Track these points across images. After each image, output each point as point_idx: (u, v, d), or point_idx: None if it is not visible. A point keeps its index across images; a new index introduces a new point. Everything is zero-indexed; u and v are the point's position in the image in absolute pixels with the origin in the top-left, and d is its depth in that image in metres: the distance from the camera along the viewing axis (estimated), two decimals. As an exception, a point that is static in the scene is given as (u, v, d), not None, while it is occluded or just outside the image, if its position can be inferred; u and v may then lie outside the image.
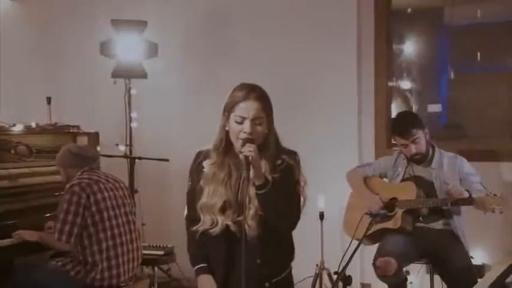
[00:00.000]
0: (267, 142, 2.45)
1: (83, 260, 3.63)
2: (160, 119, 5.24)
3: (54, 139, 4.58)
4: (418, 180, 3.82)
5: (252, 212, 2.41)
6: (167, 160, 4.60)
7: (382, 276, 3.62)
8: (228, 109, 2.43)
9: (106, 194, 3.69)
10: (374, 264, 3.65)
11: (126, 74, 4.71)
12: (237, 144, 2.42)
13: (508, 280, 2.95)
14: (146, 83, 4.89)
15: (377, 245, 3.86)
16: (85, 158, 3.84)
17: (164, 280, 4.78)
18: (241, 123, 2.39)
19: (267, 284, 2.48)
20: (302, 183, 2.51)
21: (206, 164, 2.51)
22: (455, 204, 3.60)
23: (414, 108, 5.22)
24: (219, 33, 5.17)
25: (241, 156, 2.37)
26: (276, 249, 2.51)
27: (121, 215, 3.74)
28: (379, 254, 3.66)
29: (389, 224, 3.76)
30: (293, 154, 2.52)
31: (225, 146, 2.47)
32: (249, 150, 2.34)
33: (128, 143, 4.83)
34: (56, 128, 4.71)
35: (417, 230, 3.79)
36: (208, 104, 5.11)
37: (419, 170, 3.87)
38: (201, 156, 2.57)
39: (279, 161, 2.46)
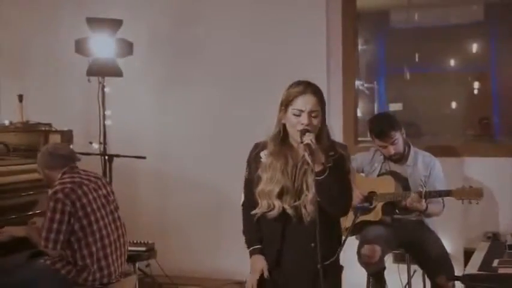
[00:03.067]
0: (321, 134, 2.67)
1: (73, 262, 3.62)
2: (131, 117, 5.28)
3: (27, 137, 4.54)
4: (394, 175, 4.02)
5: (309, 197, 2.63)
6: (144, 157, 4.63)
7: (367, 263, 3.79)
8: (286, 103, 2.66)
9: (91, 196, 3.66)
10: (359, 252, 3.84)
11: (101, 72, 4.71)
12: (295, 136, 2.64)
13: (493, 264, 3.23)
14: (118, 81, 4.90)
15: (353, 237, 4.06)
16: (63, 157, 3.75)
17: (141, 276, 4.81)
18: (299, 115, 2.61)
19: (319, 266, 2.60)
20: (352, 173, 2.79)
21: (263, 154, 2.74)
22: (433, 196, 3.82)
23: (375, 107, 5.48)
24: (188, 31, 5.26)
25: (302, 145, 2.56)
26: (329, 233, 2.72)
27: (107, 214, 3.74)
28: (363, 242, 3.84)
29: (370, 217, 3.96)
30: (344, 146, 2.78)
31: (282, 137, 2.70)
32: (309, 138, 2.55)
33: (102, 141, 4.81)
34: (27, 126, 4.67)
35: (394, 222, 4.01)
36: (178, 102, 5.26)
37: (395, 166, 4.07)
38: (258, 147, 2.80)
39: (332, 152, 2.67)
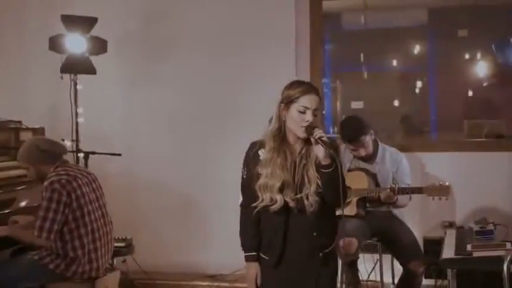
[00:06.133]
0: None
1: (63, 255, 3.67)
2: (101, 115, 5.31)
3: (-3, 134, 4.51)
4: (365, 171, 4.24)
5: (312, 189, 2.73)
6: (120, 154, 4.71)
7: (345, 255, 3.97)
8: (289, 100, 2.74)
9: (84, 189, 3.75)
10: (337, 244, 4.03)
11: (75, 70, 4.72)
12: (297, 132, 2.75)
13: (467, 249, 3.52)
14: (89, 79, 4.92)
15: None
16: (56, 154, 3.83)
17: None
18: (303, 112, 2.71)
19: (320, 254, 2.82)
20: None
21: (261, 152, 2.82)
22: (405, 192, 4.06)
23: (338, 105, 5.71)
24: (159, 31, 5.34)
25: (313, 139, 2.67)
26: (328, 222, 2.87)
27: (97, 208, 3.84)
28: (341, 234, 4.03)
29: (345, 211, 4.14)
30: (335, 141, 2.87)
31: (283, 134, 2.79)
32: (320, 132, 2.67)
33: (74, 138, 4.82)
34: (-3, 124, 4.61)
35: (367, 214, 4.24)
36: (148, 100, 5.33)
37: (364, 164, 4.29)
38: (255, 146, 2.87)
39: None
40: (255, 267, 2.89)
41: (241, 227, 2.93)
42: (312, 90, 2.76)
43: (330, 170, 2.67)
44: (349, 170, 4.31)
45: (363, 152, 4.19)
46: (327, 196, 2.75)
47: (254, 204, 2.79)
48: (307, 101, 2.72)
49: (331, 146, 2.67)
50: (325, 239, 2.85)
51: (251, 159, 2.85)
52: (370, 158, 4.26)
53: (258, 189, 2.77)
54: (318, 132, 2.66)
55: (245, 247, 2.91)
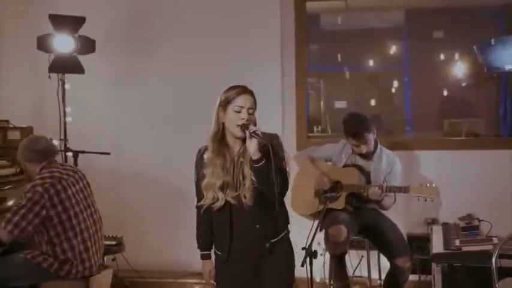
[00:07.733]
0: None
1: (54, 256, 3.68)
2: (88, 114, 5.31)
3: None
4: (359, 168, 4.32)
5: (247, 185, 2.90)
6: (108, 153, 4.72)
7: (334, 242, 4.05)
8: (226, 103, 2.91)
9: (69, 191, 3.74)
10: (326, 231, 4.11)
11: (63, 69, 4.72)
12: (235, 131, 2.90)
13: (456, 244, 3.64)
14: (76, 78, 4.92)
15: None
16: (39, 152, 3.81)
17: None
18: (239, 112, 2.87)
19: (267, 245, 2.95)
20: (286, 159, 2.98)
21: (205, 155, 3.00)
22: (393, 191, 4.14)
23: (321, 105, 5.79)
24: (145, 31, 5.38)
25: (247, 133, 2.81)
26: (271, 214, 2.95)
27: (85, 208, 3.84)
28: (331, 223, 4.09)
29: (334, 205, 4.24)
30: (276, 136, 2.99)
31: (221, 136, 2.96)
32: (255, 128, 2.83)
33: (63, 137, 4.82)
34: (-16, 123, 4.61)
35: (354, 209, 4.32)
36: (134, 99, 5.35)
37: (360, 160, 4.37)
38: (201, 151, 3.06)
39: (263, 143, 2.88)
40: (208, 264, 3.13)
41: (196, 227, 3.14)
42: (246, 91, 2.92)
43: (260, 164, 2.81)
44: (345, 166, 4.39)
45: (364, 149, 4.26)
46: (262, 191, 2.87)
47: (199, 204, 3.01)
48: (241, 100, 2.88)
49: (269, 138, 2.82)
50: (270, 230, 2.99)
51: (198, 163, 3.04)
52: (368, 156, 4.33)
53: (203, 189, 2.97)
54: (252, 127, 2.83)
55: (199, 246, 3.15)
